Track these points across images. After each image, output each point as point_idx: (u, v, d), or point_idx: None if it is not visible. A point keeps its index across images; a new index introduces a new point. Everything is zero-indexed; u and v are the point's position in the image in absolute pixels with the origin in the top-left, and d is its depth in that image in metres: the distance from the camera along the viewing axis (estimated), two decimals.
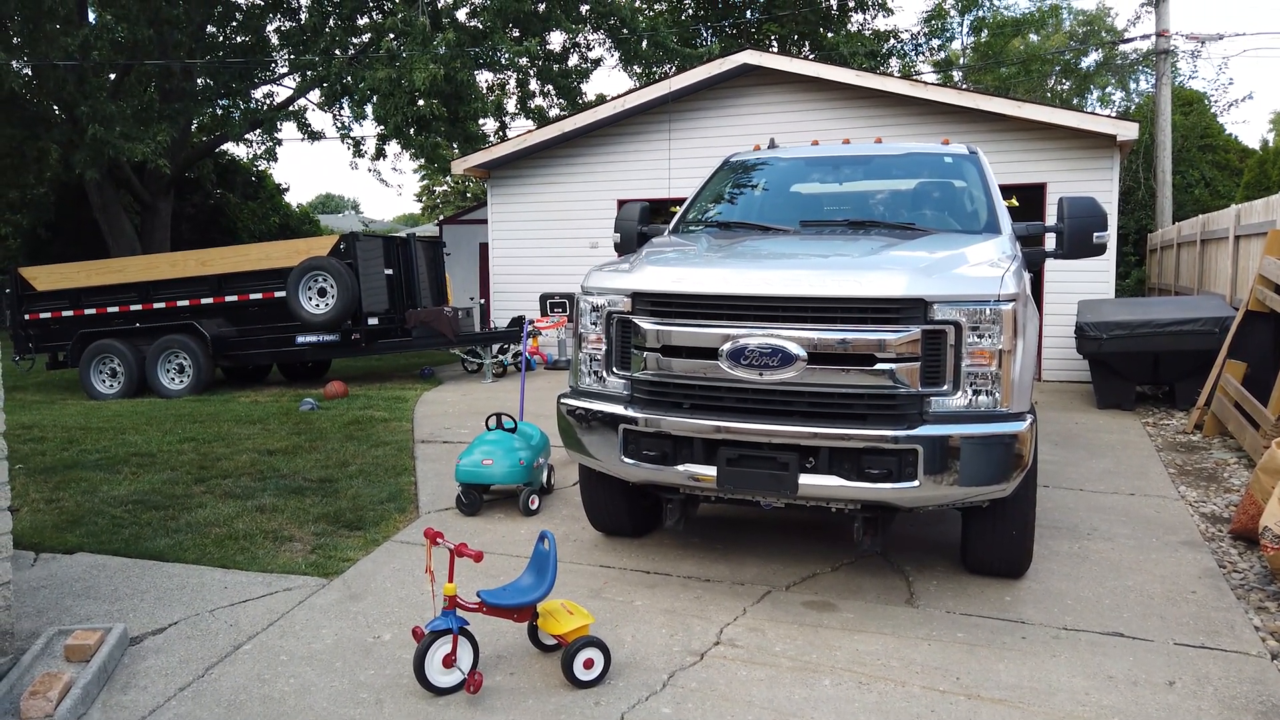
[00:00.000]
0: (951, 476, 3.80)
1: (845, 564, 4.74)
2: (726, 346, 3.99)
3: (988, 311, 3.84)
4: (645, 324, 4.22)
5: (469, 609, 3.37)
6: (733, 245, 4.84)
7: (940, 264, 4.10)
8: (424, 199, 47.75)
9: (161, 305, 11.87)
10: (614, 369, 4.40)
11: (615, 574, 4.61)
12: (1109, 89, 28.50)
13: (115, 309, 12.02)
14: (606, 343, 4.42)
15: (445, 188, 43.96)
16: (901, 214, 5.43)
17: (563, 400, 4.56)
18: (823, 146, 6.16)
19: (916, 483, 3.81)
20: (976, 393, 3.88)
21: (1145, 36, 19.25)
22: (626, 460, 4.25)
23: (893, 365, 3.83)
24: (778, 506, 4.30)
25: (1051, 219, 10.72)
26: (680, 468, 4.14)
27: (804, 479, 3.93)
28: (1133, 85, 28.10)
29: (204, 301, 11.76)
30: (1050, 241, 5.54)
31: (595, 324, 4.46)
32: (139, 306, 11.94)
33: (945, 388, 3.86)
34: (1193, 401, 8.74)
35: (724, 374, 4.02)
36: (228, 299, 11.75)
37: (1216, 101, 22.06)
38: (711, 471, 4.06)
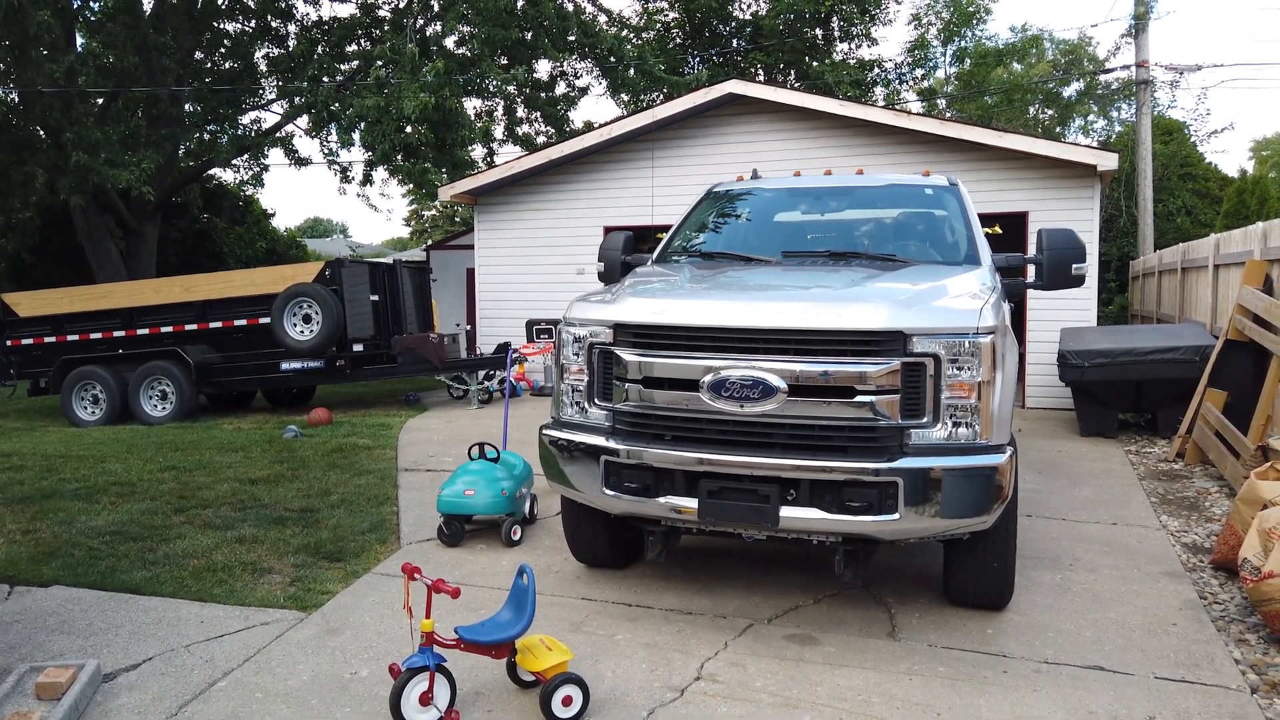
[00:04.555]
0: (932, 509, 3.81)
1: (828, 596, 4.72)
2: (708, 378, 4.00)
3: (966, 344, 3.86)
4: (627, 355, 4.22)
5: (446, 645, 3.33)
6: (715, 276, 4.86)
7: (920, 296, 4.13)
8: (412, 223, 47.76)
9: (145, 331, 11.80)
10: (596, 400, 4.40)
11: (597, 607, 4.58)
12: (1091, 118, 28.87)
13: (98, 335, 11.94)
14: (588, 374, 4.42)
15: (434, 212, 43.96)
16: (883, 245, 5.47)
17: (545, 431, 4.55)
18: (805, 177, 6.21)
19: (897, 515, 3.81)
20: (956, 425, 3.90)
21: (1125, 67, 19.58)
22: (608, 492, 4.24)
23: (873, 397, 3.84)
24: (759, 539, 4.29)
25: (1033, 249, 10.79)
26: (662, 500, 4.13)
27: (785, 511, 3.93)
28: (1114, 114, 28.47)
29: (188, 328, 11.70)
30: (1030, 272, 5.59)
31: (577, 355, 4.46)
32: (122, 333, 11.87)
33: (925, 420, 3.88)
34: (1175, 429, 8.78)
35: (705, 406, 4.02)
36: (212, 325, 11.70)
37: (1196, 131, 22.36)
38: (693, 504, 4.05)
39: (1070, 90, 25.57)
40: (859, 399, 3.85)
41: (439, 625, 3.88)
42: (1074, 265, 5.16)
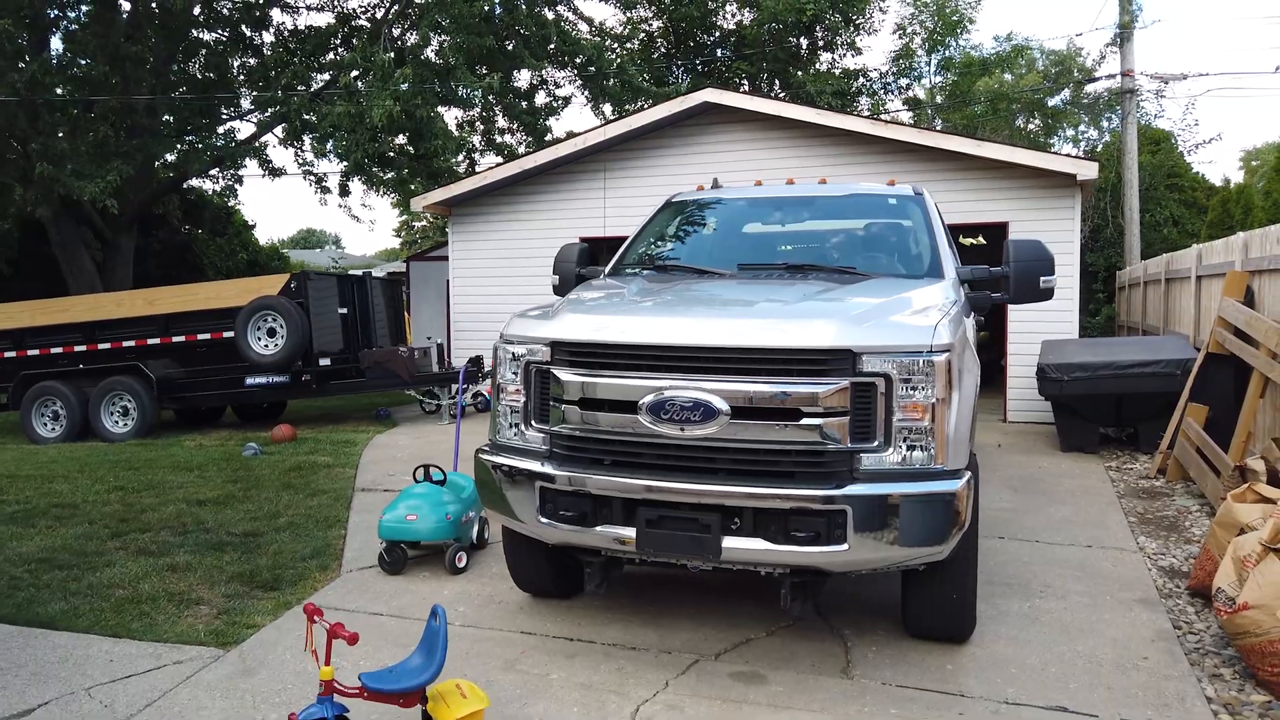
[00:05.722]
0: (884, 538, 3.56)
1: (782, 627, 4.46)
2: (647, 400, 3.75)
3: (920, 363, 3.63)
4: (564, 375, 3.98)
5: (348, 694, 3.06)
6: (663, 290, 4.63)
7: (872, 312, 3.90)
8: (403, 234, 47.52)
9: (107, 346, 11.51)
10: (533, 422, 4.14)
11: (535, 641, 4.31)
12: (1080, 128, 28.74)
13: (59, 350, 11.65)
14: (525, 394, 4.17)
15: (424, 223, 43.73)
16: (843, 257, 5.24)
17: (480, 455, 4.29)
18: (766, 186, 5.98)
19: (846, 546, 3.57)
20: (910, 448, 3.66)
21: (1111, 76, 19.43)
22: (543, 520, 3.99)
23: (820, 420, 3.60)
24: (705, 569, 4.04)
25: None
26: (599, 529, 3.88)
27: (727, 541, 3.68)
28: (1104, 124, 28.34)
29: (151, 342, 11.41)
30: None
31: (515, 374, 4.21)
32: (84, 347, 11.58)
33: (876, 443, 3.64)
34: (1156, 445, 8.56)
35: (645, 429, 3.77)
36: (175, 339, 11.41)
37: (1184, 141, 22.21)
38: (632, 533, 3.80)
39: (1056, 100, 25.45)
40: (805, 421, 3.60)
41: (358, 666, 3.62)
42: (1042, 278, 4.94)
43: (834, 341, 3.64)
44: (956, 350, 3.76)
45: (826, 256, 5.29)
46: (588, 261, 5.80)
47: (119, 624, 4.55)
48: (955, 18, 23.41)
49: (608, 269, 5.59)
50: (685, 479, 3.72)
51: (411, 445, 10.17)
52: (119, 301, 11.85)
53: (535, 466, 4.02)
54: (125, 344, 11.47)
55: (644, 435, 3.79)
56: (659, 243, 5.76)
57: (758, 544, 3.65)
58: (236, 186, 18.38)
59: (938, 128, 21.38)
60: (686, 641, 4.29)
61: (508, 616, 4.65)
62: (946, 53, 24.21)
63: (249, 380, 11.23)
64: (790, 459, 3.67)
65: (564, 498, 3.95)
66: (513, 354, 4.23)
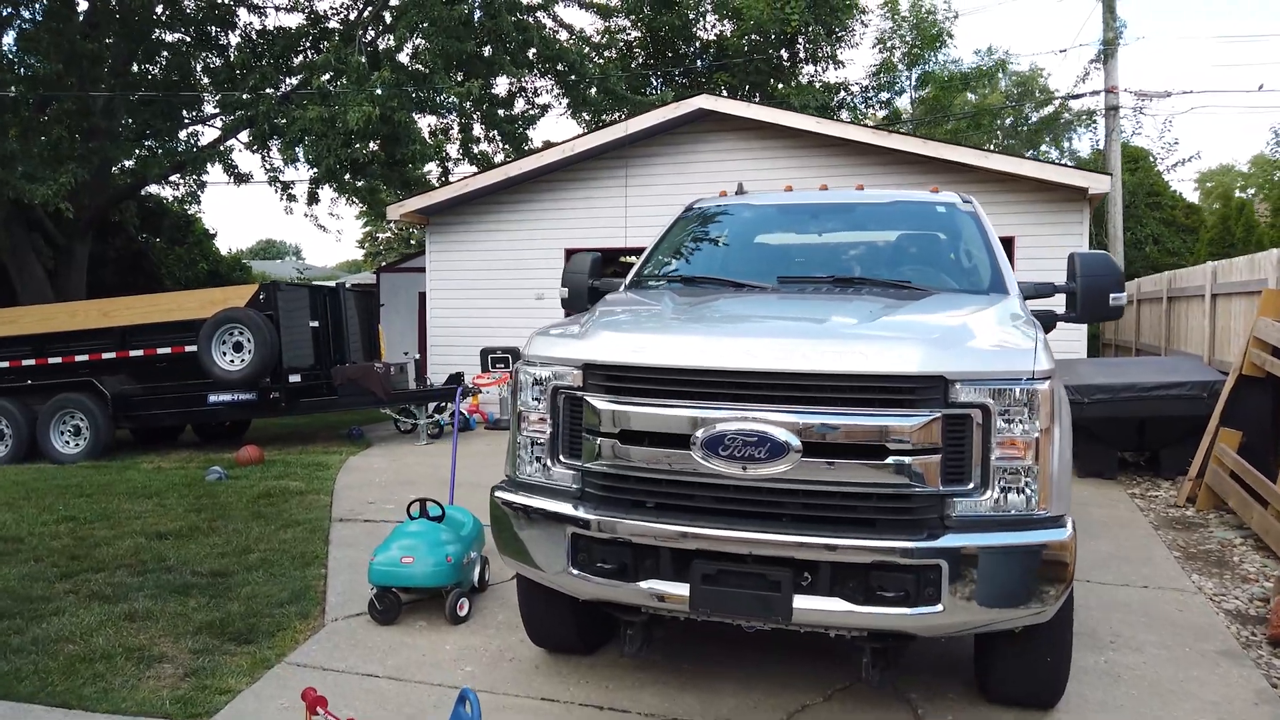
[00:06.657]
0: (983, 598, 3.05)
1: (839, 690, 3.92)
2: (701, 433, 3.21)
3: (1019, 392, 3.14)
4: (599, 403, 3.42)
5: None
6: (702, 306, 4.09)
7: (955, 333, 3.40)
8: (366, 245, 46.55)
9: (58, 360, 10.69)
10: (561, 457, 3.58)
11: (559, 710, 3.73)
12: (1044, 147, 28.75)
13: (5, 364, 10.81)
14: (552, 424, 3.60)
15: (389, 234, 42.87)
16: (893, 271, 4.74)
17: (498, 494, 3.71)
18: (798, 193, 5.47)
19: (940, 606, 3.05)
20: (1007, 491, 3.16)
21: (1095, 93, 19.34)
22: (574, 572, 3.42)
23: (908, 458, 3.08)
24: (764, 629, 3.49)
25: (1022, 276, 10.19)
26: (643, 584, 3.32)
27: (799, 601, 3.14)
28: (1066, 144, 28.34)
29: (106, 356, 10.61)
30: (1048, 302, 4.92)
31: (538, 401, 3.65)
32: (32, 361, 10.75)
33: (971, 486, 3.13)
34: (1178, 469, 8.20)
35: (698, 467, 3.23)
36: (133, 354, 10.62)
37: (1162, 160, 22.23)
38: (683, 590, 3.25)
39: (1035, 117, 25.40)
40: (890, 460, 3.08)
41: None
42: (1111, 295, 4.48)
43: (923, 366, 3.13)
44: (1056, 376, 3.28)
45: (874, 270, 4.78)
46: (599, 274, 5.25)
47: (68, 689, 3.88)
48: (935, 31, 23.27)
49: (627, 281, 5.04)
50: (749, 527, 3.19)
51: (389, 468, 9.50)
52: (72, 312, 11.05)
53: (566, 509, 3.46)
54: (78, 358, 10.67)
55: (697, 474, 3.25)
56: (683, 253, 5.23)
57: (836, 604, 3.12)
58: (199, 193, 17.50)
59: (924, 139, 21.10)
60: (734, 709, 3.73)
61: (524, 678, 4.06)
62: (926, 67, 24.07)
63: (213, 398, 10.48)
64: (871, 504, 3.15)
65: (600, 546, 3.39)
66: (536, 377, 3.66)
